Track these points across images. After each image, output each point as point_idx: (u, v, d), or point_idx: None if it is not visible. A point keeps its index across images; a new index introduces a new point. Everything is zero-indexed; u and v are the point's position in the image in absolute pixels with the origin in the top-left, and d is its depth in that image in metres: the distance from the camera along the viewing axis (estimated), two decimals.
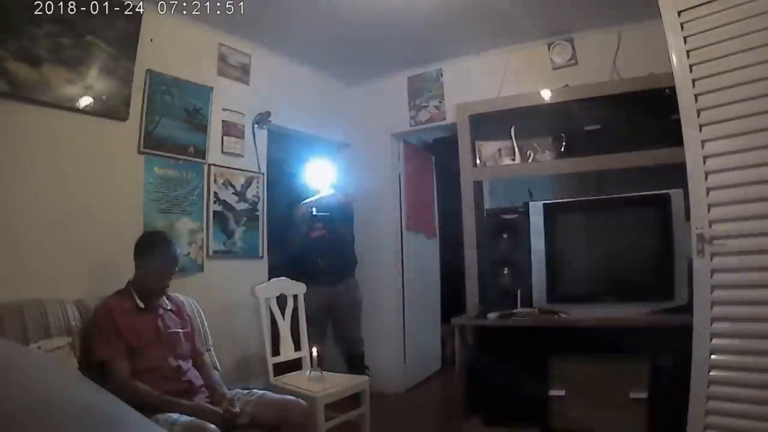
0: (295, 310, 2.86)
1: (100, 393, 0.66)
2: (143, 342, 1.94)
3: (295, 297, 2.87)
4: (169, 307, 2.14)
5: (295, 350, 2.81)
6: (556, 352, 2.64)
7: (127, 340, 1.90)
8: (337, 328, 3.44)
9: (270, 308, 2.74)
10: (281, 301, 2.83)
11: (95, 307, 2.00)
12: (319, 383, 2.50)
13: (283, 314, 2.79)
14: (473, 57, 3.62)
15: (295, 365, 2.82)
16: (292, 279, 2.92)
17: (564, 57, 3.31)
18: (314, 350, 2.70)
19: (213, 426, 1.69)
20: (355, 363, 3.35)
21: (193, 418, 1.74)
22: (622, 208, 2.77)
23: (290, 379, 2.63)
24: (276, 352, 2.73)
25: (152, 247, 2.07)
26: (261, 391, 2.09)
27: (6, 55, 2.07)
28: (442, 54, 3.65)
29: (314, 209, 3.39)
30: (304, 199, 3.48)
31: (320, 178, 3.48)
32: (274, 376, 2.63)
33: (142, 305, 2.01)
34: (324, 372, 2.63)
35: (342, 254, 3.46)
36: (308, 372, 2.67)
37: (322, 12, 2.88)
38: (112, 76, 2.47)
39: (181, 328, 2.12)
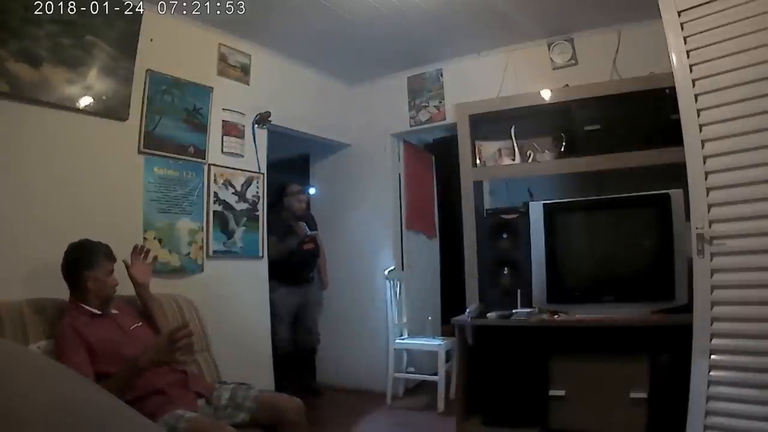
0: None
1: (100, 393, 0.66)
2: (117, 346, 1.84)
3: (399, 282, 3.72)
4: (113, 311, 2.03)
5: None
6: (556, 352, 2.64)
7: (101, 350, 1.80)
8: (302, 325, 3.82)
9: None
10: None
11: (57, 329, 1.85)
12: (432, 341, 3.63)
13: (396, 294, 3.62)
14: (473, 57, 3.62)
15: None
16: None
17: (564, 57, 3.31)
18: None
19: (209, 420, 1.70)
20: (309, 356, 3.91)
21: (196, 414, 1.74)
22: (622, 208, 2.76)
23: (407, 340, 3.70)
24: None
25: (96, 251, 1.97)
26: (259, 388, 2.06)
27: (6, 55, 2.08)
28: (442, 54, 3.65)
29: (305, 225, 3.67)
30: (287, 207, 3.71)
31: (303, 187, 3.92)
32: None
33: (98, 312, 1.92)
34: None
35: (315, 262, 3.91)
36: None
37: (323, 12, 2.87)
38: (112, 76, 2.47)
39: (140, 322, 2.06)
